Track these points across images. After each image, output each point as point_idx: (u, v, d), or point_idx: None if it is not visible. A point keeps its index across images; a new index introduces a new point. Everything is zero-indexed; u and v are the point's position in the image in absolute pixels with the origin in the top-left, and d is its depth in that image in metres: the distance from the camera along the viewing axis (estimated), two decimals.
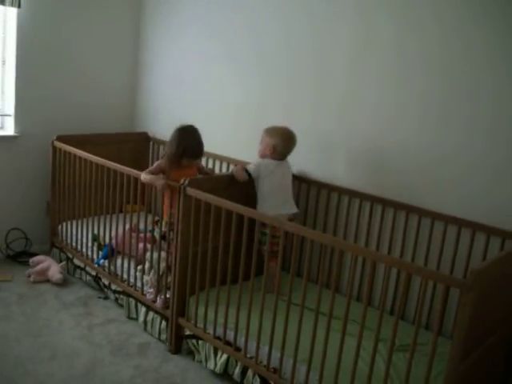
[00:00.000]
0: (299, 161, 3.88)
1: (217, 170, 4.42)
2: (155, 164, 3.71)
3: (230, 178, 3.64)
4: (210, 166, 4.49)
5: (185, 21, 4.75)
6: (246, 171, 3.61)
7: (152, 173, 3.62)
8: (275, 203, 3.60)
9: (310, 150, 3.89)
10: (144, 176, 3.61)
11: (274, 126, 3.69)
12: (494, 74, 3.01)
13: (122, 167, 3.83)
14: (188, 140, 3.62)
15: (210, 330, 3.33)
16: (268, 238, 3.02)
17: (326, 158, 3.84)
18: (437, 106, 3.26)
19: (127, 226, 3.97)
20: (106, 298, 4.21)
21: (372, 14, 3.51)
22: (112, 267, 4.07)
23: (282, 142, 3.63)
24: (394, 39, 3.42)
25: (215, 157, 4.42)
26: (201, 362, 3.45)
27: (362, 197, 3.64)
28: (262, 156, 3.68)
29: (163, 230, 3.61)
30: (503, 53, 2.97)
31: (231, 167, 4.23)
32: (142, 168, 4.43)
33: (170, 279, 3.54)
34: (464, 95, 3.14)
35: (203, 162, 4.47)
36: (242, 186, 3.64)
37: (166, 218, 3.58)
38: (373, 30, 3.51)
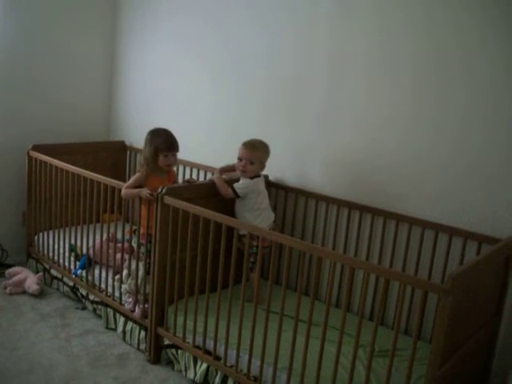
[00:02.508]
0: (276, 168, 3.90)
1: (193, 177, 4.41)
2: (132, 178, 3.64)
3: (208, 187, 3.63)
4: (187, 173, 4.48)
5: (161, 30, 4.74)
6: (233, 189, 3.54)
7: (131, 187, 3.57)
8: (266, 217, 3.60)
9: (287, 158, 3.91)
10: (125, 191, 3.57)
11: (255, 140, 3.61)
12: (491, 82, 2.99)
13: (99, 176, 3.81)
14: (158, 136, 3.60)
15: (190, 340, 3.32)
16: (246, 248, 3.01)
17: (302, 165, 3.85)
18: (427, 115, 3.25)
19: (104, 236, 3.94)
20: (84, 308, 4.16)
21: (354, 18, 3.52)
22: (90, 277, 4.04)
23: (267, 157, 3.64)
24: (379, 43, 3.42)
25: (191, 165, 4.41)
26: (180, 371, 3.42)
27: (340, 203, 3.65)
28: (253, 175, 3.59)
29: (141, 241, 3.59)
30: (502, 59, 2.95)
31: (208, 175, 4.24)
32: (118, 177, 4.43)
33: (148, 288, 3.52)
34: (457, 103, 3.12)
35: (180, 169, 4.48)
36: (219, 195, 3.63)
37: (143, 230, 3.55)
38: (355, 33, 3.53)
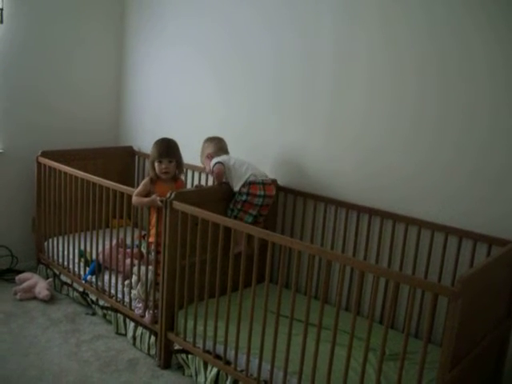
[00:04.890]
0: (285, 172, 3.91)
1: (202, 183, 4.42)
2: (141, 185, 3.68)
3: (217, 191, 3.64)
4: (196, 178, 4.49)
5: (168, 33, 4.75)
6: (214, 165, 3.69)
7: (140, 194, 3.58)
8: (250, 167, 3.70)
9: (296, 162, 3.91)
10: (135, 200, 3.58)
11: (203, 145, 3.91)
12: (492, 83, 2.99)
13: (108, 182, 3.82)
14: (155, 145, 3.68)
15: (200, 344, 3.31)
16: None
17: (309, 168, 3.85)
18: (430, 117, 3.25)
19: (114, 241, 3.95)
20: (94, 314, 4.17)
21: (361, 28, 3.53)
22: (99, 283, 4.04)
23: (205, 147, 3.87)
24: (382, 45, 3.43)
25: (200, 169, 4.41)
26: (191, 376, 3.42)
27: (349, 207, 3.64)
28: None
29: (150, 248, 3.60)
30: (503, 60, 2.95)
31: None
32: (127, 182, 4.44)
33: (158, 295, 3.53)
34: (460, 106, 3.12)
35: (189, 174, 4.48)
36: (228, 199, 3.64)
37: (152, 238, 3.56)
38: (361, 39, 3.53)
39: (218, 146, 3.86)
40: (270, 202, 3.71)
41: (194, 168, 4.42)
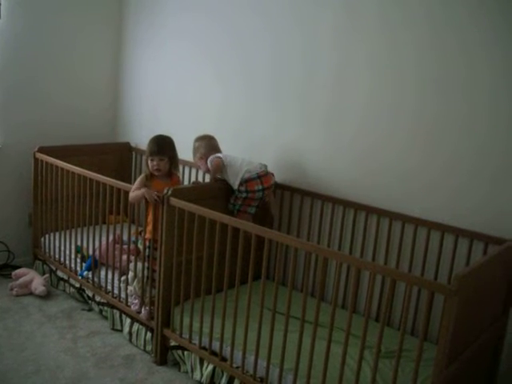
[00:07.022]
0: (282, 169, 3.91)
1: (199, 180, 4.42)
2: (137, 181, 3.67)
3: (214, 188, 3.64)
4: (193, 174, 4.48)
5: (166, 29, 4.74)
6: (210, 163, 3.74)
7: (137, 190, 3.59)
8: (244, 161, 3.70)
9: (295, 159, 3.91)
10: (132, 195, 3.58)
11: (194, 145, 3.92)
12: (491, 83, 2.99)
13: (105, 178, 3.81)
14: (149, 143, 3.69)
15: (196, 341, 3.32)
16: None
17: (306, 165, 3.85)
18: (429, 118, 3.25)
19: (111, 237, 3.95)
20: (90, 309, 4.17)
21: (361, 26, 3.53)
22: (96, 279, 4.04)
23: (209, 141, 3.89)
24: (383, 46, 3.43)
25: (197, 166, 4.40)
26: (187, 372, 3.43)
27: (346, 204, 3.65)
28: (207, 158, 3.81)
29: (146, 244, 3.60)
30: (503, 60, 2.94)
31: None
32: (124, 178, 4.44)
33: (154, 291, 3.53)
34: (458, 106, 3.12)
35: (186, 171, 4.48)
36: (225, 196, 3.64)
37: (149, 235, 3.57)
38: (361, 38, 3.53)
39: (209, 144, 3.87)
40: (270, 191, 3.76)
41: (191, 164, 4.41)
